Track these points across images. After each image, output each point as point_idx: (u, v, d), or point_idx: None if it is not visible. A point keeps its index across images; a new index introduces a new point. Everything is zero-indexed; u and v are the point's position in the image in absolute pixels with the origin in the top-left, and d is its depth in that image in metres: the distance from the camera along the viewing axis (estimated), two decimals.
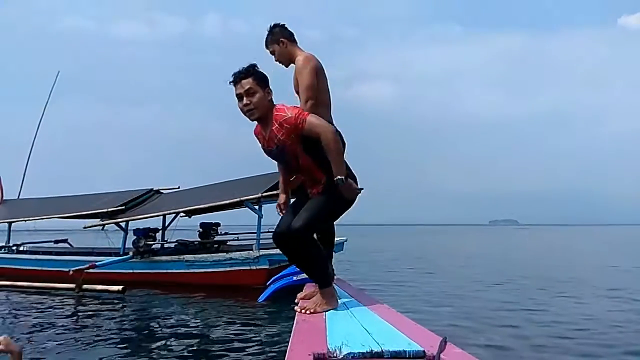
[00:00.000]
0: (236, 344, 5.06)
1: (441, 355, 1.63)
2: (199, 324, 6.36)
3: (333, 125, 3.73)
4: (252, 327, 5.86)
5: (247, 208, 9.34)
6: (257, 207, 9.25)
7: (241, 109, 2.93)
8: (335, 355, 1.69)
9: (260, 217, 9.28)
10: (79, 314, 7.16)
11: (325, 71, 3.77)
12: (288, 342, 1.95)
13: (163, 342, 5.30)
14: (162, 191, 11.51)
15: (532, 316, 6.62)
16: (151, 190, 11.38)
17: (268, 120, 2.93)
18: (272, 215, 9.91)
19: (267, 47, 3.85)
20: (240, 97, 2.90)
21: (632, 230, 79.94)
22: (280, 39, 3.77)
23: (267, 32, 3.83)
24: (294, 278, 3.75)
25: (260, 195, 8.86)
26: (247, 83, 2.88)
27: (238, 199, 9.24)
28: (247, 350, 4.85)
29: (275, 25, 3.81)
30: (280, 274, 4.19)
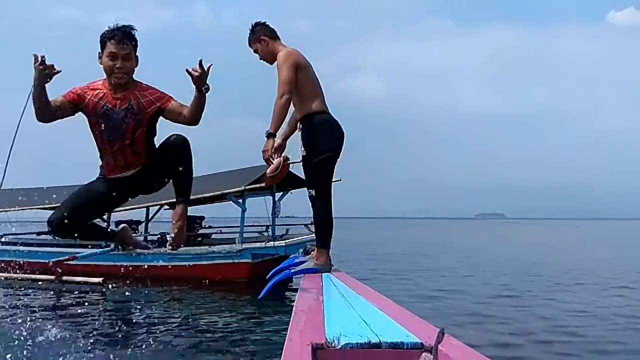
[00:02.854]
0: (229, 336, 5.06)
1: (439, 347, 1.60)
2: (182, 316, 6.35)
3: (329, 113, 3.72)
4: (245, 319, 5.87)
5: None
6: (240, 200, 9.23)
7: (110, 68, 2.78)
8: (333, 345, 1.67)
9: (243, 210, 9.26)
10: (58, 305, 7.12)
11: (312, 64, 3.74)
12: (285, 332, 1.95)
13: (142, 335, 5.27)
14: None
15: (528, 310, 6.76)
16: None
17: (129, 85, 2.85)
18: (256, 208, 9.86)
19: (250, 46, 3.83)
20: (114, 56, 2.77)
21: (621, 225, 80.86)
22: (261, 37, 3.74)
23: (249, 32, 3.81)
24: (292, 270, 3.76)
25: (243, 188, 8.83)
26: (128, 47, 2.78)
27: (221, 192, 9.21)
28: (243, 341, 4.88)
29: (257, 24, 3.79)
30: (278, 267, 4.22)
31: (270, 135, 3.42)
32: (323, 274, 3.35)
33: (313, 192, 3.60)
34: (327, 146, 3.59)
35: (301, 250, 4.71)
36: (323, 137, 3.59)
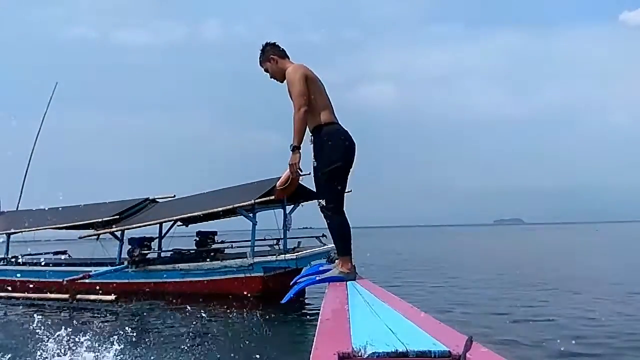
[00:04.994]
0: (251, 349, 5.01)
1: (467, 355, 1.58)
2: (198, 332, 6.31)
3: (339, 124, 3.74)
4: (264, 331, 5.84)
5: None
6: (250, 214, 9.25)
7: None
8: (360, 354, 1.65)
9: (254, 224, 9.27)
10: (72, 323, 7.15)
11: (322, 75, 3.84)
12: (308, 342, 1.94)
13: (157, 351, 5.26)
14: (157, 200, 11.50)
15: (555, 317, 6.73)
16: (147, 199, 11.37)
17: None
18: (267, 221, 9.83)
19: (260, 65, 3.96)
20: None
21: None
22: (271, 57, 3.87)
23: (259, 52, 3.93)
24: (317, 278, 3.77)
25: (253, 202, 8.85)
26: None
27: (231, 206, 9.24)
28: (266, 353, 4.85)
29: (267, 44, 3.92)
30: (303, 273, 4.28)
31: (295, 149, 3.49)
32: (348, 282, 3.35)
33: (323, 202, 3.62)
34: (337, 156, 3.62)
35: (323, 260, 4.73)
36: (332, 147, 3.63)
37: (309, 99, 3.64)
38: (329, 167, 3.58)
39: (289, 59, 3.90)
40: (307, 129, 3.73)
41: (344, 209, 3.72)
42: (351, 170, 3.76)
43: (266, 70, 3.92)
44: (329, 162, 3.59)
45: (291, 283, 3.95)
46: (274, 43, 3.92)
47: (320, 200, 3.64)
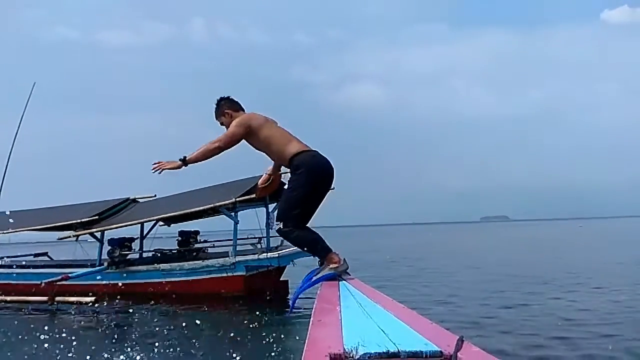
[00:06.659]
0: (239, 351, 4.98)
1: (458, 355, 1.60)
2: (180, 334, 6.22)
3: (310, 151, 3.78)
4: (251, 332, 5.79)
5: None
6: (232, 213, 9.18)
7: None
8: (351, 355, 1.67)
9: (236, 222, 9.21)
10: (51, 327, 7.02)
11: (274, 119, 3.95)
12: (300, 344, 1.92)
13: (137, 355, 5.17)
14: (138, 200, 11.36)
15: (545, 313, 6.77)
16: (127, 199, 11.22)
17: None
18: (250, 220, 9.75)
19: (216, 119, 4.03)
20: None
21: (625, 223, 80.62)
22: (225, 111, 3.93)
23: (214, 106, 4.00)
24: (312, 280, 3.83)
25: (234, 200, 8.79)
26: None
27: (212, 205, 9.17)
28: (255, 355, 4.84)
29: (221, 99, 3.99)
30: (299, 285, 4.34)
31: (182, 161, 3.64)
32: (340, 283, 3.38)
33: (280, 225, 3.68)
34: (303, 183, 3.67)
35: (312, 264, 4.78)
36: (301, 175, 3.68)
37: (271, 141, 3.75)
38: (294, 193, 3.66)
39: (243, 111, 3.96)
40: (282, 165, 3.90)
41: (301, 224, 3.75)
42: (330, 189, 3.87)
43: (222, 124, 3.97)
44: (295, 189, 3.68)
45: (290, 302, 4.00)
46: (228, 97, 4.00)
47: (277, 223, 3.72)
